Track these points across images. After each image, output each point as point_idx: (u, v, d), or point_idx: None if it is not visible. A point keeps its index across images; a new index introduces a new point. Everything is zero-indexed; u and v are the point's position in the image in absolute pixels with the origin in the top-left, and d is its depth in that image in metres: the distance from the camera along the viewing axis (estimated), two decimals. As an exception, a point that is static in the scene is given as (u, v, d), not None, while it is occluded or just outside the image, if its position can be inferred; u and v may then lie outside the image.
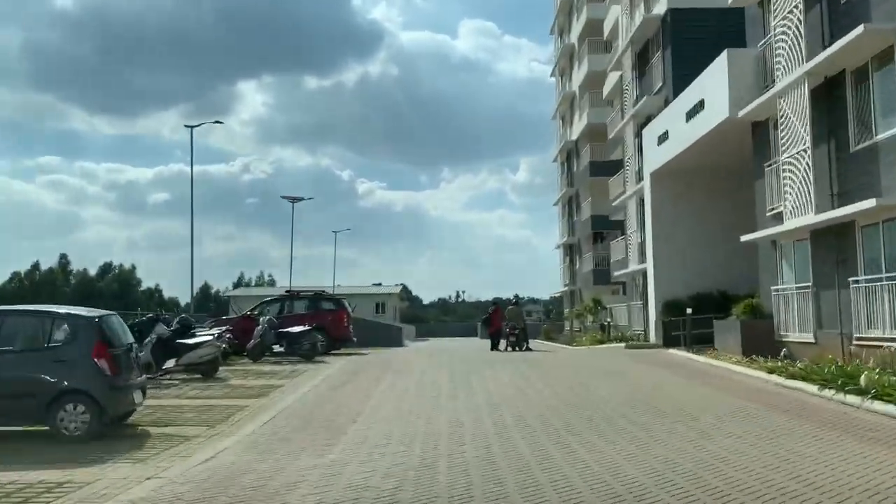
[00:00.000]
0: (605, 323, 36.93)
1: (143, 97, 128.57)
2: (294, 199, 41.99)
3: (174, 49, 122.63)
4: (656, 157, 24.55)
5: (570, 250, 47.30)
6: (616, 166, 37.64)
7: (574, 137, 45.17)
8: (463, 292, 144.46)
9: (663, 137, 23.58)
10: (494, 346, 26.55)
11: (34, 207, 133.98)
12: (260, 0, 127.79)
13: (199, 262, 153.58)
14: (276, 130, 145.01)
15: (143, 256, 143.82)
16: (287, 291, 26.69)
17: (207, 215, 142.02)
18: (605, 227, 40.71)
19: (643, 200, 27.80)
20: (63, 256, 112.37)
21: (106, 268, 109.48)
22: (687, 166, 23.53)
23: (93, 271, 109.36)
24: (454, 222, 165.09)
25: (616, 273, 32.54)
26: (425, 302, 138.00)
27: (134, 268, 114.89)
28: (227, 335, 19.63)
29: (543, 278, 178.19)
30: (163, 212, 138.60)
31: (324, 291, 26.98)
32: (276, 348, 20.10)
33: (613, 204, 32.71)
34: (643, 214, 27.36)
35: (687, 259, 24.28)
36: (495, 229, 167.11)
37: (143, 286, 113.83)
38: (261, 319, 20.06)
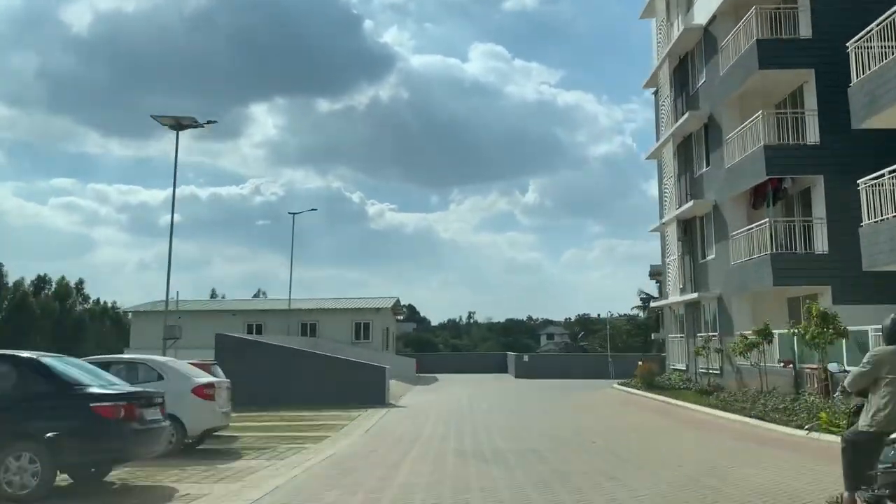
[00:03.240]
0: (825, 372, 16.59)
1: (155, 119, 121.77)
2: (181, 124, 21.85)
3: (187, 72, 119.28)
4: None
5: (688, 230, 26.64)
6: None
7: (702, 21, 24.72)
8: (473, 313, 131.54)
9: None
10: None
11: (47, 229, 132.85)
12: (272, 24, 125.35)
13: (210, 282, 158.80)
14: (287, 153, 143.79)
15: (155, 277, 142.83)
16: None
17: (218, 236, 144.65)
18: (800, 169, 20.28)
19: None
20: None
21: (40, 281, 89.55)
22: None
23: (105, 295, 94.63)
24: (464, 244, 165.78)
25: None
26: (434, 323, 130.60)
27: (81, 282, 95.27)
28: None
29: (555, 300, 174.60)
30: (174, 233, 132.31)
31: None
32: None
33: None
34: None
35: None
36: (505, 251, 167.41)
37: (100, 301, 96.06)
38: None
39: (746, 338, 19.70)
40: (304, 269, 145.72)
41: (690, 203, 24.89)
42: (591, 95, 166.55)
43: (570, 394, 26.86)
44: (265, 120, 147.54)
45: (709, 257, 24.98)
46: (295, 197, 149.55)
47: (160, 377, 11.65)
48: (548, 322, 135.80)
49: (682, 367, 27.45)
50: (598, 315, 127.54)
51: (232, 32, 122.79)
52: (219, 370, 15.27)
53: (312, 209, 39.27)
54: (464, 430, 15.23)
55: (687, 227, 26.69)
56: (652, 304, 30.00)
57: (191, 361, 13.90)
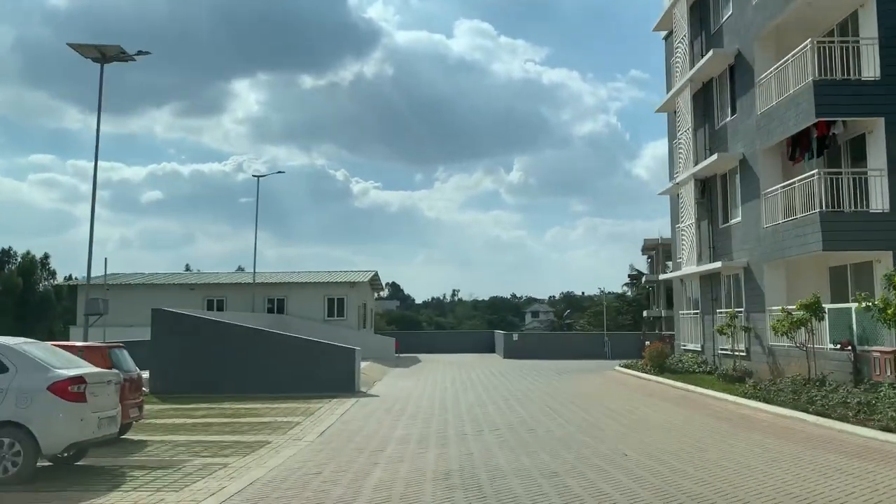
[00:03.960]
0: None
1: (136, 95, 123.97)
2: (105, 55, 18.00)
3: (168, 46, 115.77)
4: None
5: (707, 190, 23.14)
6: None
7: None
8: (458, 291, 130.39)
9: None
10: None
11: (27, 206, 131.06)
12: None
13: (193, 261, 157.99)
14: (270, 129, 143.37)
15: (136, 254, 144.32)
16: None
17: (201, 214, 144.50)
18: (856, 110, 16.74)
19: None
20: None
21: (4, 255, 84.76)
22: None
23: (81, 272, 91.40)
24: (449, 222, 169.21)
25: None
26: (418, 301, 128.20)
27: (46, 256, 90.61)
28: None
29: (539, 278, 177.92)
30: (156, 210, 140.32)
31: None
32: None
33: None
34: None
35: None
36: (490, 230, 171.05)
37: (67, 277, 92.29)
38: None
39: (790, 314, 16.30)
40: (288, 246, 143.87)
41: (713, 157, 21.30)
42: (577, 73, 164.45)
43: (569, 378, 23.48)
44: (248, 96, 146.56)
45: (733, 221, 21.51)
46: (278, 174, 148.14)
47: (3, 368, 7.97)
48: (532, 300, 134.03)
49: (695, 347, 24.11)
50: (583, 293, 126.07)
51: (214, 6, 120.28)
52: (124, 357, 11.59)
53: (279, 171, 34.86)
54: (448, 432, 11.71)
55: (705, 187, 23.18)
56: (661, 276, 26.42)
57: (58, 343, 10.24)
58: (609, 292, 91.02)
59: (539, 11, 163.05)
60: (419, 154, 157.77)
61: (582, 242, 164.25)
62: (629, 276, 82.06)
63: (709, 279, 23.06)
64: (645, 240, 63.91)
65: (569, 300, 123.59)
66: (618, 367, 26.55)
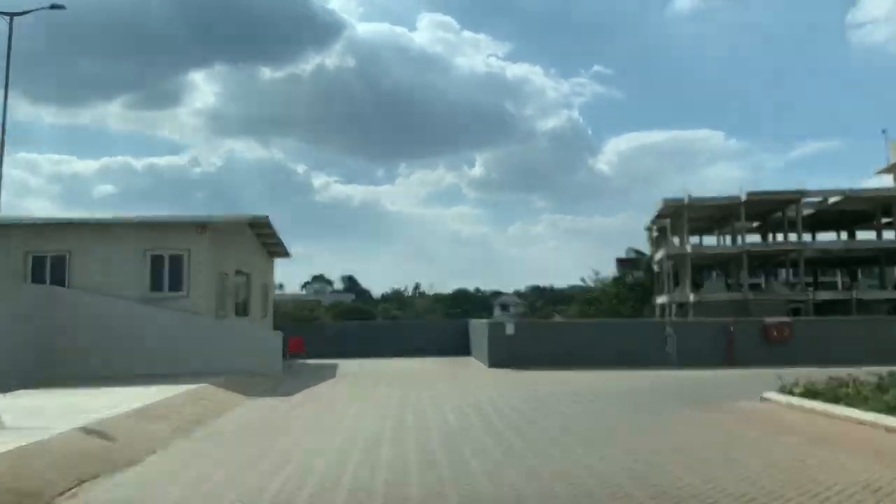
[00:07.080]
0: None
1: (88, 86, 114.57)
2: None
3: (122, 35, 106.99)
4: None
5: None
6: None
7: None
8: (419, 285, 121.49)
9: None
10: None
11: None
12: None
13: None
14: (227, 122, 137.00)
15: None
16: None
17: (156, 208, 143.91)
18: None
19: None
20: None
21: None
22: None
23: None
24: (411, 217, 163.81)
25: None
26: (376, 295, 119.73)
27: None
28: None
29: (501, 274, 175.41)
30: (109, 204, 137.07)
31: None
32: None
33: None
34: None
35: None
36: (452, 225, 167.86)
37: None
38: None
39: None
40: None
41: None
42: (539, 68, 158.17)
43: (709, 455, 7.39)
44: (204, 87, 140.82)
45: None
46: (236, 168, 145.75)
47: None
48: (498, 293, 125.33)
49: None
50: (552, 286, 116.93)
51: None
52: None
53: (55, 6, 17.87)
54: None
55: None
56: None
57: None
58: (577, 285, 76.85)
59: (501, 5, 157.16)
60: (381, 149, 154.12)
61: (543, 238, 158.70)
62: (618, 259, 67.55)
63: None
64: (663, 201, 48.43)
65: (539, 292, 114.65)
66: (796, 400, 10.55)
